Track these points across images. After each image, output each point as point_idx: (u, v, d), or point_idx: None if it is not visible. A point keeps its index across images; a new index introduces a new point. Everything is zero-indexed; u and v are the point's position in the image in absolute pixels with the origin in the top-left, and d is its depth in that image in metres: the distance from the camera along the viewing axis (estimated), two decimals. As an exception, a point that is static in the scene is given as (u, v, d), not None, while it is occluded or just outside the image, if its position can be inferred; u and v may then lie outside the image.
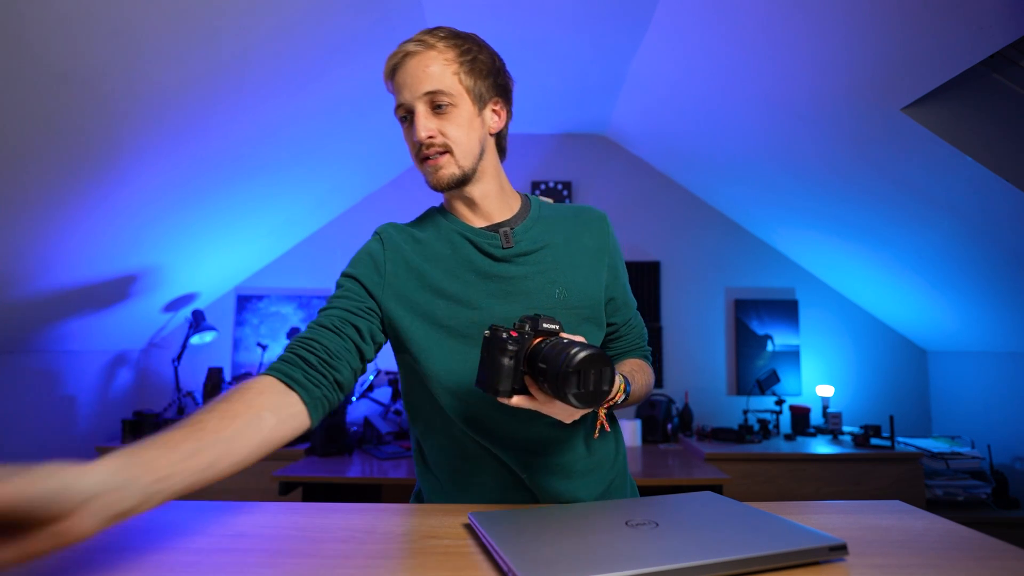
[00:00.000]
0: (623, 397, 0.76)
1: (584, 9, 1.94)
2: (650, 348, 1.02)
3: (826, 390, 2.85)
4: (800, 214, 2.62)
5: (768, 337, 2.99)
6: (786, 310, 3.01)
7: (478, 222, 0.90)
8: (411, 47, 0.82)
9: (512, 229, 0.89)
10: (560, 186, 3.07)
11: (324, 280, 3.03)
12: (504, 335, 0.67)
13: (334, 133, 2.31)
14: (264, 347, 2.95)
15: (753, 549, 0.54)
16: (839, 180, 2.21)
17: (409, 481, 2.11)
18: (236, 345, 2.97)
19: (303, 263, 3.04)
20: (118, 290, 2.28)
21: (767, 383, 2.88)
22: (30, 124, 1.37)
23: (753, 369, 2.97)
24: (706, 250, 3.08)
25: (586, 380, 0.62)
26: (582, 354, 0.61)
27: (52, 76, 1.29)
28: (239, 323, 2.98)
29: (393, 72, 0.83)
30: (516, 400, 0.68)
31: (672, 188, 3.12)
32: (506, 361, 0.67)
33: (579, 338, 0.69)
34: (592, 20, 2.01)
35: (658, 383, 2.96)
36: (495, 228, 0.89)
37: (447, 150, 0.83)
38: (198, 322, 2.72)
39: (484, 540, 0.61)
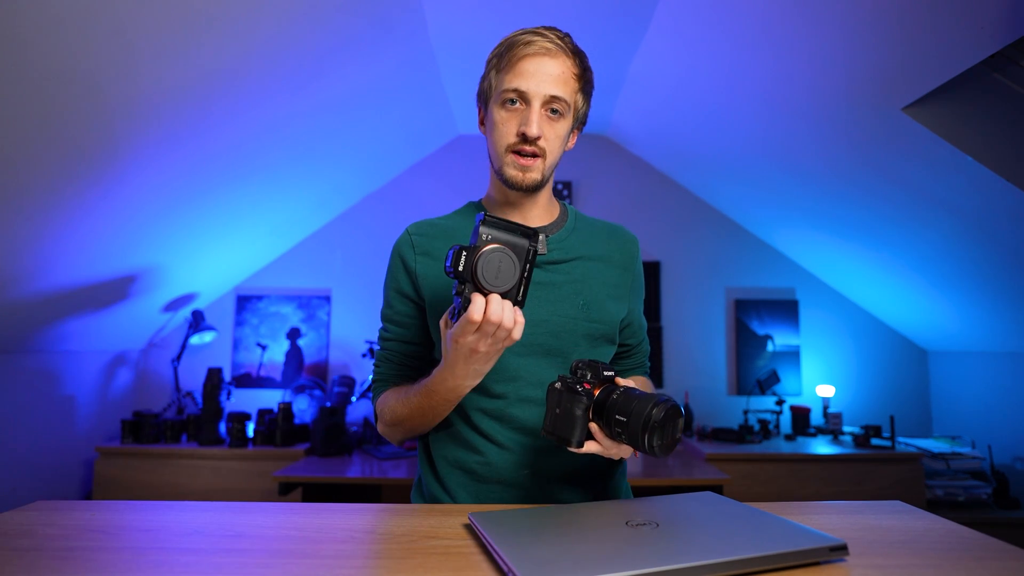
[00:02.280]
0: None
1: (584, 9, 1.94)
2: (650, 363, 1.06)
3: (826, 390, 2.85)
4: (800, 214, 2.62)
5: (768, 337, 2.99)
6: (786, 310, 3.01)
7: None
8: (548, 45, 0.83)
9: (548, 236, 0.91)
10: (560, 186, 3.07)
11: (324, 280, 3.03)
12: (579, 388, 0.70)
13: (334, 133, 2.31)
14: (264, 347, 2.95)
15: (753, 549, 0.54)
16: (839, 180, 2.21)
17: (409, 481, 2.11)
18: (236, 345, 2.96)
19: (303, 263, 3.04)
20: (118, 290, 2.28)
21: (767, 383, 2.88)
22: (29, 124, 1.37)
23: (753, 369, 2.97)
24: (706, 250, 3.08)
25: (665, 432, 0.65)
26: (663, 411, 0.64)
27: (51, 76, 1.29)
28: (239, 323, 2.98)
29: (522, 58, 0.83)
30: (585, 448, 0.71)
31: (672, 188, 3.12)
32: (579, 413, 0.70)
33: (630, 382, 0.73)
34: (592, 20, 2.01)
35: (658, 383, 2.95)
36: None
37: (541, 154, 0.84)
38: (198, 322, 2.72)
39: (484, 540, 0.61)
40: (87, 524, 0.69)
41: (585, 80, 0.87)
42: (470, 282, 0.67)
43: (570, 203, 3.04)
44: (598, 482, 0.90)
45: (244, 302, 2.99)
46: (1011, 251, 1.97)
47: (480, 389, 0.85)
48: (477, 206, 0.96)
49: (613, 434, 0.68)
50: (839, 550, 0.57)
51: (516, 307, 0.68)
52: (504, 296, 0.67)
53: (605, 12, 1.95)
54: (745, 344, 2.99)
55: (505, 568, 0.53)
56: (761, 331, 3.00)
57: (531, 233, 0.69)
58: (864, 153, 1.98)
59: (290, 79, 1.82)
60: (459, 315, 0.68)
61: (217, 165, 2.00)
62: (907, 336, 3.01)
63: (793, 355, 2.98)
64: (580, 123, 0.92)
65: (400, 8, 1.84)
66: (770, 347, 2.98)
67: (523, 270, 0.69)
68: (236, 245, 2.64)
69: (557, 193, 3.06)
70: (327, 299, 3.00)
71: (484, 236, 0.67)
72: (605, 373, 0.72)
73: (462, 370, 0.73)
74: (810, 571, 0.54)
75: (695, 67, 2.10)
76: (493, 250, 0.66)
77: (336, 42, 1.79)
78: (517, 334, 0.68)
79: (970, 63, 1.43)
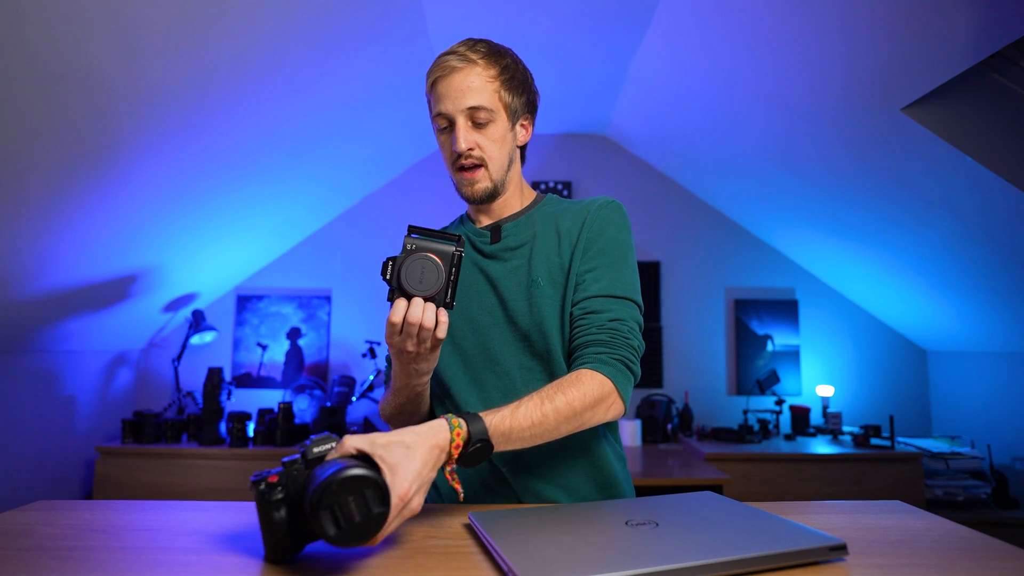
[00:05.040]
0: (467, 447, 0.67)
1: (584, 9, 1.94)
2: (626, 353, 0.81)
3: (826, 390, 2.85)
4: (800, 214, 2.62)
5: (768, 337, 2.99)
6: (786, 310, 3.01)
7: (485, 221, 0.95)
8: (455, 62, 0.85)
9: (502, 226, 0.93)
10: (560, 186, 3.07)
11: (324, 280, 3.03)
12: (263, 486, 0.56)
13: (334, 133, 2.31)
14: (264, 347, 2.95)
15: (753, 549, 0.54)
16: (839, 180, 2.21)
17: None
18: (236, 345, 2.97)
19: (303, 263, 3.04)
20: (118, 290, 2.28)
21: (767, 383, 2.88)
22: (29, 124, 1.37)
23: (753, 369, 2.97)
24: (706, 250, 3.08)
25: (346, 510, 0.51)
26: (331, 481, 0.51)
27: (51, 76, 1.29)
28: (239, 323, 2.98)
29: (435, 84, 0.87)
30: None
31: (672, 188, 3.12)
32: (277, 516, 0.56)
33: (348, 446, 0.60)
34: (592, 20, 2.01)
35: (658, 383, 2.95)
36: (491, 226, 0.94)
37: (482, 164, 0.87)
38: (198, 322, 2.72)
39: (484, 540, 0.61)
40: (87, 524, 0.69)
41: (505, 77, 0.88)
42: (397, 288, 0.71)
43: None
44: (577, 473, 0.88)
45: (244, 302, 2.99)
46: (1011, 251, 1.97)
47: (457, 388, 0.89)
48: (462, 217, 1.01)
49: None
50: (839, 550, 0.57)
51: (442, 308, 0.72)
52: (431, 299, 0.71)
53: (605, 12, 1.95)
54: (745, 344, 2.99)
55: (505, 568, 0.53)
56: (761, 331, 3.00)
57: (456, 239, 0.73)
58: (864, 153, 1.98)
59: (291, 79, 1.82)
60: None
61: (218, 165, 2.00)
62: (907, 336, 3.01)
63: (793, 355, 2.98)
64: (524, 112, 0.92)
65: (400, 8, 1.84)
66: (770, 347, 2.98)
67: (448, 274, 0.72)
68: (236, 245, 2.64)
69: (556, 193, 3.06)
70: (327, 299, 3.00)
71: (408, 246, 0.72)
72: (317, 449, 0.59)
73: (402, 370, 0.78)
74: (810, 571, 0.54)
75: (695, 67, 2.10)
76: (416, 258, 0.71)
77: (337, 42, 1.79)
78: (441, 333, 0.72)
79: (969, 63, 1.43)
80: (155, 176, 1.84)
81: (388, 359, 1.01)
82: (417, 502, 0.60)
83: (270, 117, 1.94)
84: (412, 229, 0.73)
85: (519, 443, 0.74)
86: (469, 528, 0.68)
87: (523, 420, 0.73)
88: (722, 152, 2.56)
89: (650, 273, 3.02)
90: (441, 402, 0.92)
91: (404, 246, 0.72)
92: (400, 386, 0.82)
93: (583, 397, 0.76)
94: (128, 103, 1.50)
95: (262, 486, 0.57)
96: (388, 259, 0.71)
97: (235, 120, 1.83)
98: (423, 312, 0.70)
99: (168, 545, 0.63)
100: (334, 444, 0.61)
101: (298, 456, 0.60)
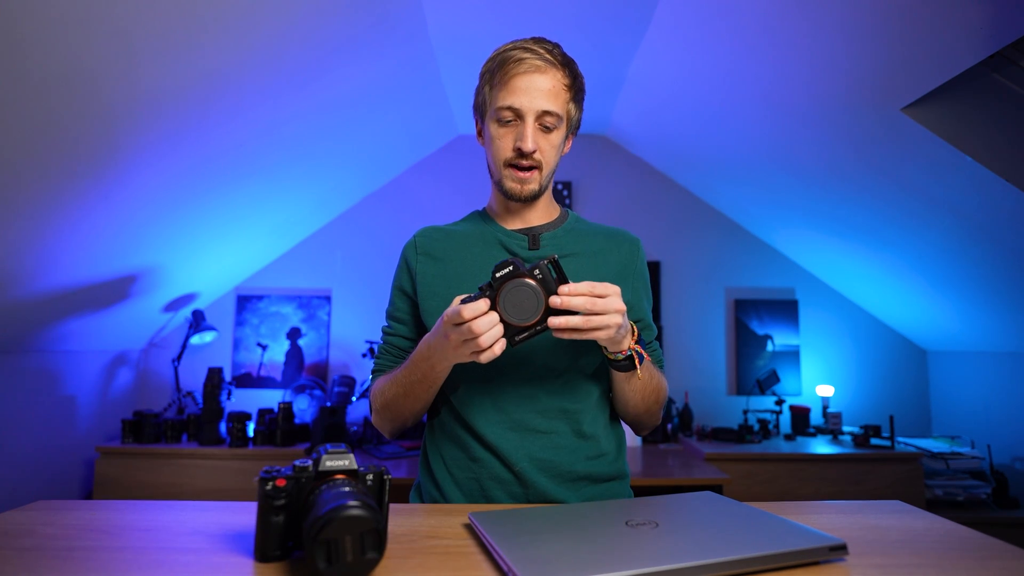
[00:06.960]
0: (636, 341, 0.81)
1: (584, 9, 1.94)
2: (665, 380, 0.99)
3: (826, 390, 2.85)
4: (800, 214, 2.62)
5: (768, 337, 2.99)
6: (786, 310, 3.01)
7: (514, 224, 0.95)
8: (538, 62, 0.85)
9: (541, 234, 0.94)
10: (560, 186, 3.07)
11: (324, 280, 3.02)
12: (269, 487, 0.56)
13: (334, 133, 2.31)
14: (264, 347, 2.95)
15: (753, 549, 0.54)
16: (839, 180, 2.21)
17: (409, 481, 2.11)
18: (236, 345, 2.96)
19: (303, 263, 3.04)
20: (118, 290, 2.28)
21: (767, 383, 2.88)
22: (29, 124, 1.37)
23: (753, 369, 2.97)
24: (706, 250, 3.08)
25: (341, 548, 0.50)
26: (332, 518, 0.50)
27: (51, 77, 1.29)
28: (239, 323, 2.98)
29: (513, 76, 0.85)
30: None
31: (672, 188, 3.12)
32: (274, 520, 0.56)
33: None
34: (592, 20, 2.01)
35: (658, 383, 2.95)
36: (527, 231, 0.95)
37: (537, 166, 0.88)
38: (198, 322, 2.72)
39: (484, 540, 0.61)
40: (87, 524, 0.69)
41: (576, 89, 0.90)
42: (493, 291, 0.68)
43: (570, 203, 3.05)
44: (586, 482, 0.89)
45: (244, 302, 2.99)
46: (1011, 251, 1.97)
47: (468, 382, 0.88)
48: (481, 214, 1.00)
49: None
50: (839, 550, 0.57)
51: (504, 341, 0.70)
52: (507, 324, 0.69)
53: (605, 12, 1.95)
54: (745, 344, 2.99)
55: (505, 568, 0.53)
56: (761, 331, 3.00)
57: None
58: (864, 153, 1.98)
59: (290, 79, 1.82)
60: (464, 302, 0.70)
61: (217, 165, 2.00)
62: (907, 336, 3.01)
63: (793, 355, 2.98)
64: (576, 128, 0.95)
65: (400, 8, 1.84)
66: (770, 347, 2.98)
67: (539, 319, 0.69)
68: (236, 245, 2.64)
69: (558, 195, 3.06)
70: (327, 299, 3.00)
71: (535, 271, 0.69)
72: (331, 463, 0.57)
73: (436, 343, 0.76)
74: (810, 571, 0.54)
75: (695, 67, 2.10)
76: (529, 285, 0.68)
77: (336, 42, 1.79)
78: (485, 358, 0.71)
79: (969, 63, 1.43)
80: (155, 176, 1.84)
81: (383, 348, 0.99)
82: (619, 308, 0.72)
83: (270, 117, 1.94)
84: (555, 261, 0.70)
85: (641, 369, 0.83)
86: (469, 528, 0.68)
87: (648, 366, 0.86)
88: (722, 152, 2.56)
89: (650, 273, 3.01)
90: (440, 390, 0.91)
91: (534, 268, 0.68)
92: (422, 357, 0.80)
93: (665, 396, 0.94)
94: (128, 104, 1.50)
95: (268, 486, 0.56)
96: (511, 261, 0.68)
97: (235, 120, 1.83)
98: (489, 330, 0.68)
99: (168, 545, 0.63)
100: (348, 462, 0.59)
101: (309, 462, 0.59)
